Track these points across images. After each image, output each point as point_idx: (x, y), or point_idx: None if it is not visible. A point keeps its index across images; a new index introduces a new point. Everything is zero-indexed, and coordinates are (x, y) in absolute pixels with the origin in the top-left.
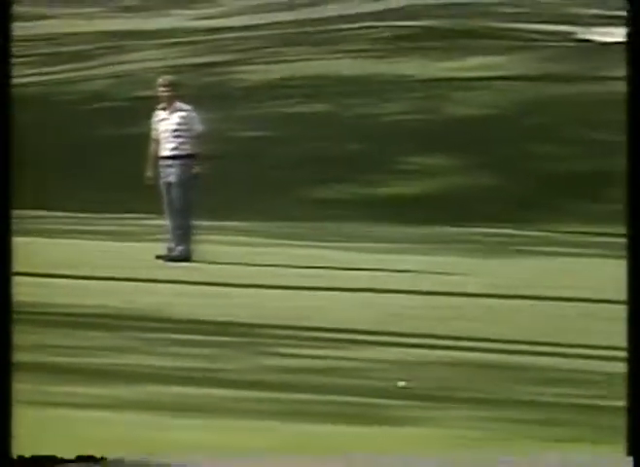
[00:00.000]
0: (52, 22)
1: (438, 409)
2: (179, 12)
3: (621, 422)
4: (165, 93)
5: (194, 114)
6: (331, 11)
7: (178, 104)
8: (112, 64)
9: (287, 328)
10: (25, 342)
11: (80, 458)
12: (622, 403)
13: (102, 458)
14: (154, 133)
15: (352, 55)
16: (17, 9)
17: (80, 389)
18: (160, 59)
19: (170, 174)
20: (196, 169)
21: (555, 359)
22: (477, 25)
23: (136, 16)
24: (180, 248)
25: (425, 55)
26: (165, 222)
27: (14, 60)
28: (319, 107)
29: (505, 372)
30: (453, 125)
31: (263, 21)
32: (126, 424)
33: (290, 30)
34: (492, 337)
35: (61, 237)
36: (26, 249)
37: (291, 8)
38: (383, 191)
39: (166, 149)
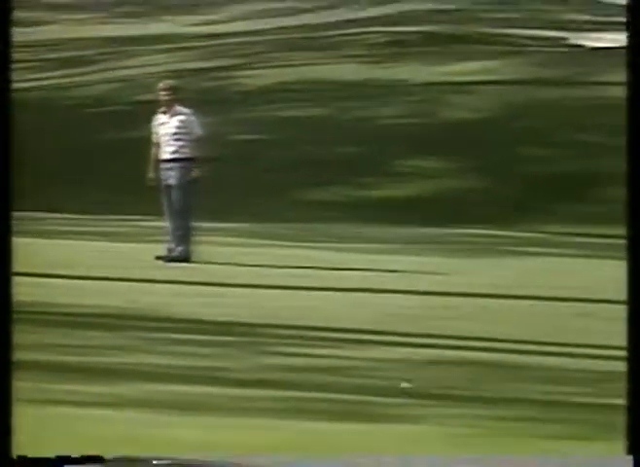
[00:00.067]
0: (53, 28)
1: (436, 407)
2: (178, 18)
3: (616, 419)
4: (166, 97)
5: (193, 118)
6: (328, 17)
7: (178, 108)
8: (113, 69)
9: (283, 327)
10: (25, 341)
11: (79, 459)
12: (616, 400)
13: (102, 458)
14: (154, 137)
15: (349, 60)
16: (18, 14)
17: (80, 388)
18: (161, 64)
19: (170, 177)
20: (196, 172)
21: (549, 358)
22: (471, 31)
23: (137, 21)
24: (179, 249)
25: (420, 60)
26: (165, 223)
27: (16, 65)
28: (316, 111)
29: (500, 370)
30: (448, 129)
31: (261, 27)
32: (126, 422)
33: (287, 36)
34: (484, 335)
35: (62, 238)
36: (28, 250)
37: (289, 14)
38: (378, 193)
39: (166, 152)
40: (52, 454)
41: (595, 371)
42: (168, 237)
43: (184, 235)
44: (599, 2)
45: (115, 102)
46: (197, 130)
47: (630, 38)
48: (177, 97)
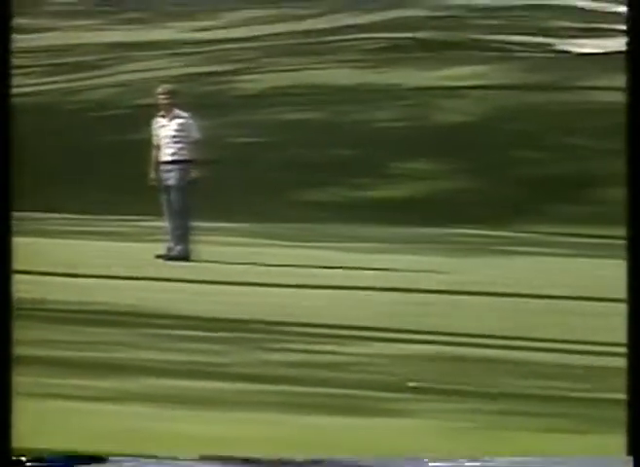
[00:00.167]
0: (56, 35)
1: (435, 402)
2: (178, 24)
3: (610, 413)
4: (165, 101)
5: (191, 121)
6: (324, 23)
7: (177, 112)
8: (115, 74)
9: (283, 324)
10: (26, 338)
11: (78, 459)
12: (610, 395)
13: (102, 459)
14: (154, 139)
15: (344, 65)
16: (22, 22)
17: (81, 382)
18: (160, 69)
19: (170, 178)
20: (194, 173)
21: (542, 353)
22: (462, 37)
23: (137, 28)
24: (179, 248)
25: (414, 66)
26: (165, 223)
27: (21, 71)
28: (311, 114)
29: (495, 366)
30: (440, 132)
31: (258, 33)
32: (128, 416)
33: (284, 42)
34: (478, 332)
35: (64, 238)
36: (30, 249)
37: (285, 20)
38: (373, 194)
39: (166, 154)
40: (51, 447)
41: (589, 366)
42: (168, 237)
43: (183, 235)
44: (585, 10)
45: (116, 106)
46: (195, 133)
47: (629, 44)
48: (176, 101)
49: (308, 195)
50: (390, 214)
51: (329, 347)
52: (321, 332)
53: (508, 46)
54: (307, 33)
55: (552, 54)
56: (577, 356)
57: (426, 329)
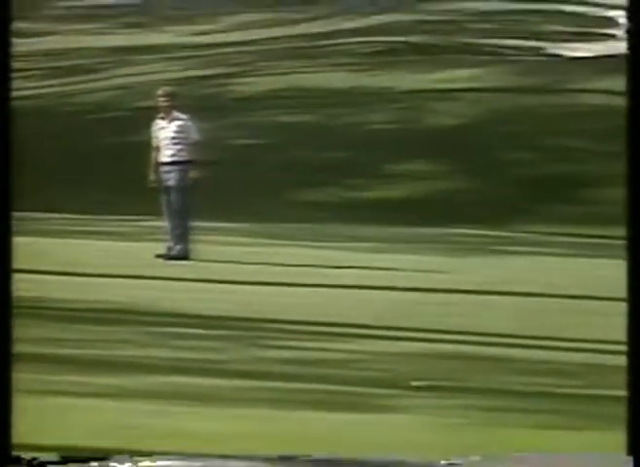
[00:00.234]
0: (57, 39)
1: (431, 398)
2: (176, 28)
3: (603, 410)
4: (164, 104)
5: (190, 123)
6: (319, 27)
7: (176, 114)
8: (114, 77)
9: (280, 322)
10: (26, 335)
11: (78, 459)
12: (603, 391)
13: (102, 458)
14: (154, 141)
15: (339, 69)
16: (22, 25)
17: (80, 379)
18: (160, 72)
19: (169, 179)
20: (193, 174)
21: (538, 351)
22: (455, 41)
23: (137, 32)
24: (178, 247)
25: (407, 69)
26: (164, 223)
27: (21, 74)
28: (308, 117)
29: (491, 363)
30: (434, 134)
31: (255, 37)
32: (127, 412)
33: (280, 45)
34: (475, 330)
35: (65, 238)
36: (30, 248)
37: (281, 25)
38: (369, 194)
39: (165, 155)
40: (51, 444)
41: (583, 363)
42: (168, 236)
43: (182, 234)
44: (576, 14)
45: (116, 108)
46: (194, 135)
47: (629, 47)
48: (175, 104)
49: (306, 195)
50: (388, 214)
51: (325, 345)
52: (317, 330)
53: (501, 49)
54: (303, 37)
55: (545, 58)
56: (572, 354)
57: (424, 327)
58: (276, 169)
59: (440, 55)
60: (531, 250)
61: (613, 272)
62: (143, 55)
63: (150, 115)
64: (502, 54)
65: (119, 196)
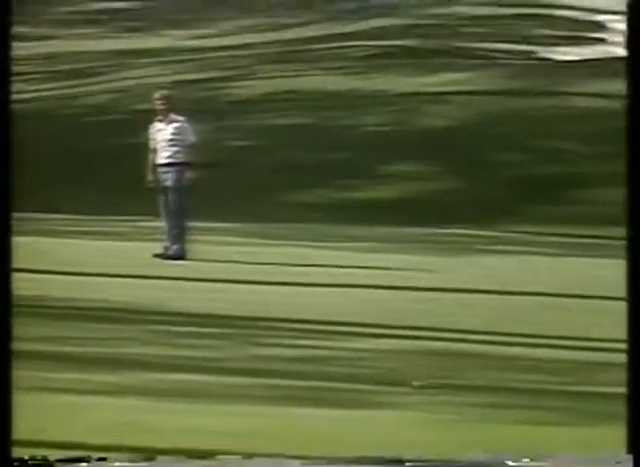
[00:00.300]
0: (54, 42)
1: (421, 394)
2: (174, 32)
3: (595, 407)
4: (161, 106)
5: (186, 125)
6: (313, 31)
7: (173, 116)
8: (113, 81)
9: (273, 320)
10: (27, 333)
11: (77, 459)
12: (594, 388)
13: (102, 459)
14: (151, 143)
15: (332, 72)
16: (22, 29)
17: (80, 376)
18: (157, 76)
19: (166, 180)
20: (190, 175)
21: (527, 348)
22: (446, 45)
23: (135, 36)
24: (175, 247)
25: (400, 72)
26: (162, 223)
27: (21, 77)
28: (302, 119)
29: (480, 360)
30: (426, 136)
31: (250, 41)
32: (126, 409)
33: (275, 49)
34: (464, 328)
35: (64, 237)
36: (31, 248)
37: (276, 29)
38: (361, 195)
39: (163, 157)
40: (51, 440)
41: (573, 360)
42: (165, 236)
43: (179, 234)
44: (566, 19)
45: (115, 111)
46: (191, 137)
47: (629, 49)
48: (172, 106)
49: (299, 196)
50: (379, 214)
51: (319, 343)
52: (311, 328)
53: (491, 53)
54: (297, 41)
55: (535, 62)
56: (561, 351)
57: (414, 325)
58: (271, 171)
59: (432, 59)
60: (519, 250)
61: (601, 271)
62: (141, 59)
63: (148, 117)
64: (493, 58)
65: (117, 196)
